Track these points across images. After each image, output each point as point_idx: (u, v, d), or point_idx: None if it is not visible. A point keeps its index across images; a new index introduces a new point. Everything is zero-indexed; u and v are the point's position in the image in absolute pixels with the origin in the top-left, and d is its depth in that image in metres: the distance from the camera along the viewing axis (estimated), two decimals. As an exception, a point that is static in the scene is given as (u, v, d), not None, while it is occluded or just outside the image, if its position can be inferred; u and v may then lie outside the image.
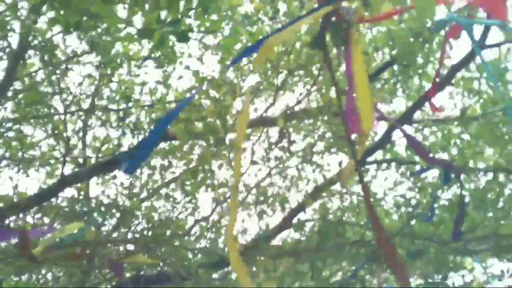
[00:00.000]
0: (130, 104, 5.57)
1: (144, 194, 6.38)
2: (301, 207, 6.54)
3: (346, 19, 3.33)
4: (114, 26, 4.48)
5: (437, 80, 5.63)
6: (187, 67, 5.63)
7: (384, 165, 6.86)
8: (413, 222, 6.61)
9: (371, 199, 6.68)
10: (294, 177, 6.69)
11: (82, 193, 5.98)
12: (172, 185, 6.40)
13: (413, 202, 6.61)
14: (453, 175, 6.04)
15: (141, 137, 5.73)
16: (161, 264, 5.80)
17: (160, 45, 4.44)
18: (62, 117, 5.68)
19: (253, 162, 7.02)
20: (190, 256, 6.06)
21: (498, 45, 5.63)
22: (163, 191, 6.38)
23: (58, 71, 5.36)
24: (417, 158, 6.36)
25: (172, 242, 5.65)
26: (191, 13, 4.65)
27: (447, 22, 4.38)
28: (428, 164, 6.07)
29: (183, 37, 4.39)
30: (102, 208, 5.55)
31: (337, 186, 6.85)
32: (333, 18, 3.37)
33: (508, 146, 6.25)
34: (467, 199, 6.39)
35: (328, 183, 6.22)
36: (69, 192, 5.99)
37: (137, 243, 5.45)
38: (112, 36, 4.48)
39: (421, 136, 6.59)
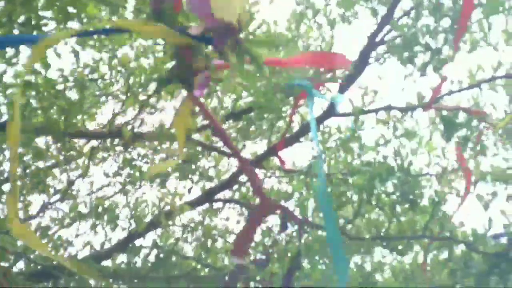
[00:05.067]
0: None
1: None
2: (139, 233, 6.48)
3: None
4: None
5: (286, 136, 6.02)
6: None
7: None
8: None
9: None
10: (139, 199, 6.64)
11: None
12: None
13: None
14: (291, 225, 6.38)
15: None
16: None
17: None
18: None
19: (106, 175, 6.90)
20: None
21: (348, 114, 6.14)
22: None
23: None
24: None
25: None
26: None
27: (295, 86, 4.71)
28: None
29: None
30: None
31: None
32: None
33: (344, 207, 6.74)
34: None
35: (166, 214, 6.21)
36: None
37: None
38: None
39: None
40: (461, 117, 6.13)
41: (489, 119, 5.44)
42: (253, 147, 7.00)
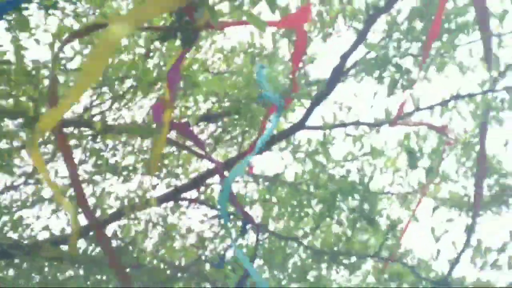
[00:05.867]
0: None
1: None
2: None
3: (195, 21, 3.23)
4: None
5: (257, 143, 6.15)
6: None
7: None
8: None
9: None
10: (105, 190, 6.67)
11: None
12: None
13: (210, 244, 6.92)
14: (251, 229, 6.47)
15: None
16: None
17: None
18: None
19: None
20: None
21: (317, 128, 6.32)
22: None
23: None
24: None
25: None
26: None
27: (266, 98, 4.89)
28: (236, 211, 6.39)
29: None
30: None
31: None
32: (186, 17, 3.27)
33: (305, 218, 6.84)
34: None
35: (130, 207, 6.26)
36: None
37: None
38: None
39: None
40: (428, 144, 6.40)
41: (453, 134, 5.69)
42: (224, 151, 7.08)
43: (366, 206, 6.15)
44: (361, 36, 5.27)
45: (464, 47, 5.20)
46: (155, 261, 6.49)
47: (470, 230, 5.68)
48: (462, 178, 6.48)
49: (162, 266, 6.46)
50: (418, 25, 5.01)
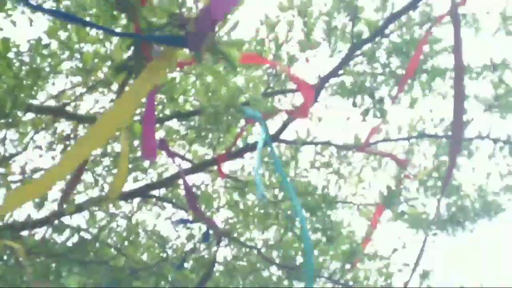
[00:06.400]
0: None
1: None
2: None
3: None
4: None
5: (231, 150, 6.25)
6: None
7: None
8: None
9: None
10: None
11: None
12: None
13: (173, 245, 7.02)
14: (214, 236, 6.57)
15: None
16: None
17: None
18: None
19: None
20: None
21: (290, 142, 6.45)
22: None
23: None
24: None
25: None
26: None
27: (247, 114, 5.00)
28: (197, 217, 6.48)
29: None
30: None
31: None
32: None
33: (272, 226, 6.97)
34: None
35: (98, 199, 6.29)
36: None
37: None
38: None
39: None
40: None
41: (411, 168, 5.92)
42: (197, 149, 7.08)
43: (328, 224, 6.33)
44: (343, 62, 5.41)
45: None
46: (117, 258, 6.55)
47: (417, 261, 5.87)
48: (422, 195, 6.67)
49: (123, 263, 6.51)
50: (396, 59, 5.18)
